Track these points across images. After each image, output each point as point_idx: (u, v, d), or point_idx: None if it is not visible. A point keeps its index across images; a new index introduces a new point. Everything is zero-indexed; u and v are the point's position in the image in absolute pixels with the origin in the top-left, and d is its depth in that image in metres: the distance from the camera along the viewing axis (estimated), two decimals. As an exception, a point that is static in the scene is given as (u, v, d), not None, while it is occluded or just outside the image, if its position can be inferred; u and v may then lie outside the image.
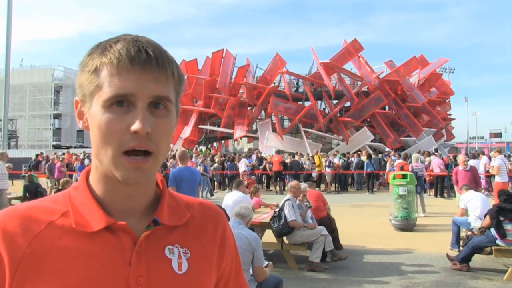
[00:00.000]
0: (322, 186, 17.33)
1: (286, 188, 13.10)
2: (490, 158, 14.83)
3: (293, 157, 17.56)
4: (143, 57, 0.66)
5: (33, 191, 9.13)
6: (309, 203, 6.23)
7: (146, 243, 0.71)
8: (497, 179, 10.04)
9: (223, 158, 18.68)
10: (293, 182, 6.33)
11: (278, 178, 16.50)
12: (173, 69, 0.70)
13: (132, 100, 0.66)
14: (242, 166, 16.10)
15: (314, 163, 17.22)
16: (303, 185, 6.69)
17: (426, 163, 14.32)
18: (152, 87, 0.67)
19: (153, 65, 0.67)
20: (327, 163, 16.72)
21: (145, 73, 0.66)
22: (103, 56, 0.67)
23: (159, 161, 0.70)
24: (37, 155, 20.61)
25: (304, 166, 17.06)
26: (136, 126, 0.65)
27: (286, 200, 5.84)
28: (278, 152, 18.43)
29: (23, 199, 9.15)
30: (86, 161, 17.77)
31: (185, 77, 25.39)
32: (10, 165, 10.01)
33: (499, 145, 50.28)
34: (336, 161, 17.00)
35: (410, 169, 10.66)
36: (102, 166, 0.69)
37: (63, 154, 20.62)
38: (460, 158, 9.26)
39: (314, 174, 16.96)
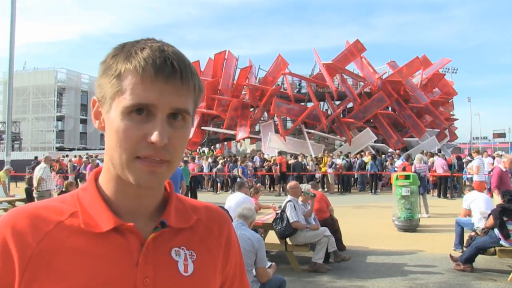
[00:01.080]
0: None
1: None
2: (494, 158, 14.81)
3: (295, 158, 17.55)
4: (168, 69, 0.67)
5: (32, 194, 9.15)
6: (312, 194, 6.17)
7: (153, 244, 0.72)
8: (475, 178, 10.86)
9: (228, 159, 18.68)
10: (292, 183, 6.32)
11: (282, 179, 16.46)
12: (195, 82, 0.71)
13: (152, 110, 0.67)
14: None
15: (317, 164, 17.15)
16: (307, 186, 6.68)
17: (429, 163, 14.29)
18: (173, 100, 0.67)
19: (177, 78, 0.67)
20: (329, 164, 16.72)
21: (168, 85, 0.67)
22: (128, 62, 0.67)
23: (173, 168, 0.70)
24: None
25: (308, 167, 17.04)
26: (154, 137, 0.65)
27: (287, 202, 5.83)
28: (280, 153, 18.42)
29: (26, 201, 9.19)
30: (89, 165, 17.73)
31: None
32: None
33: (503, 146, 50.20)
34: (339, 162, 16.99)
35: (413, 170, 10.66)
36: (115, 169, 0.70)
37: (67, 156, 20.68)
38: (509, 157, 7.38)
39: (317, 175, 16.93)
